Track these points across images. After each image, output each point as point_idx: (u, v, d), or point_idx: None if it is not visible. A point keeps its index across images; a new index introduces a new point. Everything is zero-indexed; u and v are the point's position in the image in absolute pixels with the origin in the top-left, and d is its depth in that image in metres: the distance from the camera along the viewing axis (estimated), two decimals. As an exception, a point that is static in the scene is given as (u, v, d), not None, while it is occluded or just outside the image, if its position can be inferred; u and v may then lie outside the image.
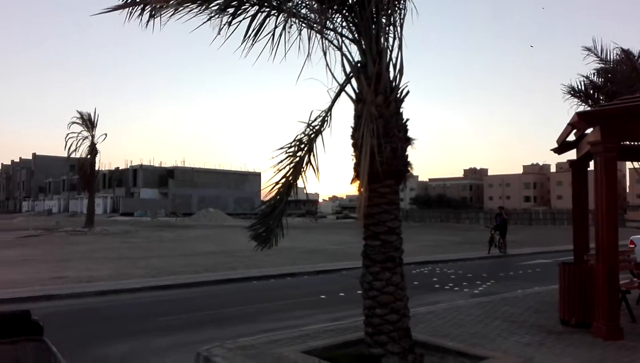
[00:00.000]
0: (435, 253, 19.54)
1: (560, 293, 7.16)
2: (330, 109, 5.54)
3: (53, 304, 9.65)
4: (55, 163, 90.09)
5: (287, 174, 5.47)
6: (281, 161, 5.47)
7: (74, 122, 38.45)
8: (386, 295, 4.93)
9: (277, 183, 5.49)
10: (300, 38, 5.65)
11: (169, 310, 9.04)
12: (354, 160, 5.29)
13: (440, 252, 20.26)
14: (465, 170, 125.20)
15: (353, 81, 5.43)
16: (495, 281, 12.80)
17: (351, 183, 5.37)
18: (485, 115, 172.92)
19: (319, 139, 5.48)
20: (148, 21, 5.66)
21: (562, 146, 8.66)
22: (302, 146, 5.50)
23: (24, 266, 14.78)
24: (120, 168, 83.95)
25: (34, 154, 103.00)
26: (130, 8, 5.61)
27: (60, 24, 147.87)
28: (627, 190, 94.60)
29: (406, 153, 5.27)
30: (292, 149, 5.49)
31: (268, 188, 5.56)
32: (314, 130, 5.50)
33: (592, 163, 7.57)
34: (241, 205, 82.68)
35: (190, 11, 5.59)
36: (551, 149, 9.08)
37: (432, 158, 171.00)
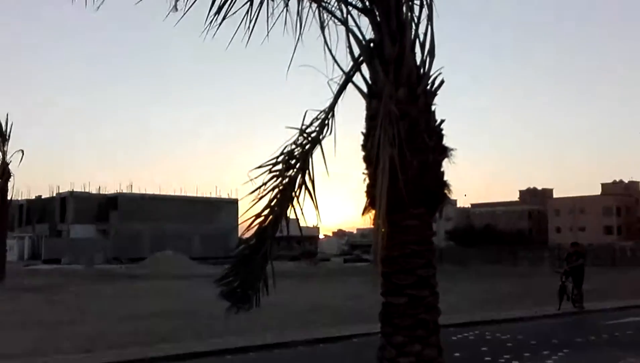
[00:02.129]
0: (484, 310, 19.31)
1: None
2: (332, 108, 5.41)
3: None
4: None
5: (272, 203, 5.31)
6: (264, 184, 5.31)
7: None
8: (417, 377, 4.72)
9: (257, 216, 5.34)
10: (287, 10, 5.55)
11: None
12: (367, 180, 5.14)
13: (491, 309, 20.01)
14: (521, 191, 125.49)
15: (364, 67, 5.31)
16: (570, 349, 12.55)
17: (363, 214, 5.21)
18: (548, 119, 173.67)
19: (316, 151, 5.34)
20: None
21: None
22: (293, 161, 5.35)
23: None
24: (43, 197, 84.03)
25: None
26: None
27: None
28: None
29: (441, 169, 5.13)
30: (280, 166, 5.34)
31: (246, 222, 5.39)
32: (310, 138, 5.35)
33: None
34: (211, 246, 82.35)
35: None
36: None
37: (475, 176, 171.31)
